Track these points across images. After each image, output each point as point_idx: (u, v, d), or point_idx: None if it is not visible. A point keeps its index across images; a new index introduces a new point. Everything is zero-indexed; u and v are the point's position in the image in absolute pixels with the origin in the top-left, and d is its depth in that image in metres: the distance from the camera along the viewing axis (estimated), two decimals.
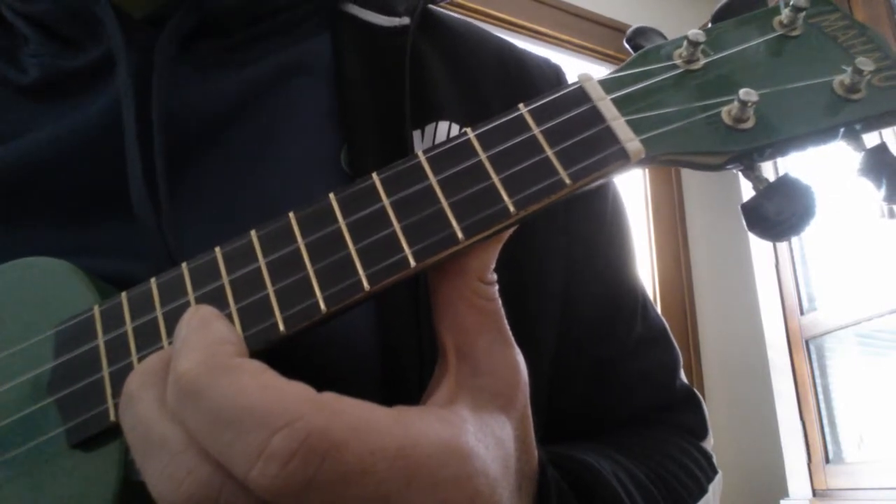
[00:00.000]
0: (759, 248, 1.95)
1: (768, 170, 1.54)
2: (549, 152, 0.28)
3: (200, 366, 0.22)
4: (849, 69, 0.28)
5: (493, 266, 0.28)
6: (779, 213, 0.27)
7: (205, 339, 0.23)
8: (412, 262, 0.27)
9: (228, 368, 0.22)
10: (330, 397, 0.22)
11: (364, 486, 0.21)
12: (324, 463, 0.20)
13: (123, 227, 0.38)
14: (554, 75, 0.51)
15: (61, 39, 0.43)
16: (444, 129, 0.43)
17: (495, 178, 0.27)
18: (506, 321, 0.29)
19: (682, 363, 0.51)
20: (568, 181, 0.27)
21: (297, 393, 0.22)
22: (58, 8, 0.42)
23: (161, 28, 0.41)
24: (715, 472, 0.45)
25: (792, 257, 1.85)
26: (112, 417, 0.28)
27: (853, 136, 0.29)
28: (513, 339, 0.28)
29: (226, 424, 0.21)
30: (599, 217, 0.49)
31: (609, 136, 0.28)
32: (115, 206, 0.38)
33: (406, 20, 0.46)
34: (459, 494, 0.23)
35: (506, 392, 0.27)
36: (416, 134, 0.42)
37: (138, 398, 0.24)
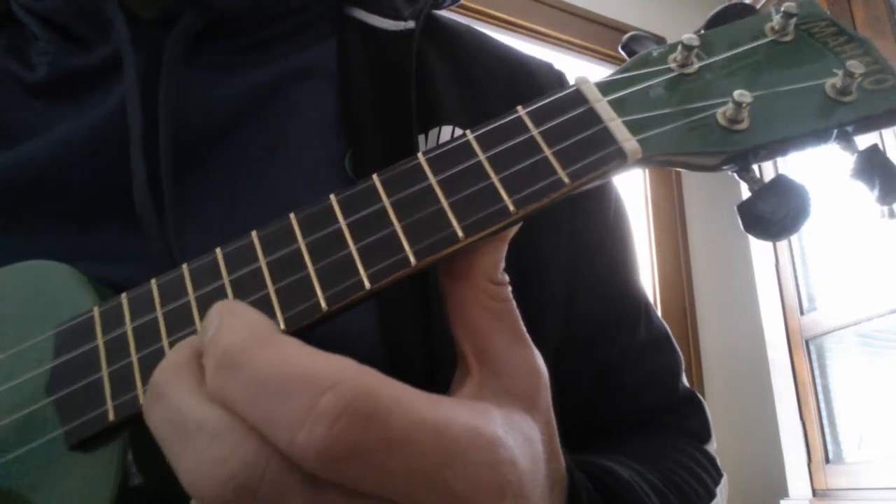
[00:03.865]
0: (759, 248, 1.95)
1: (768, 170, 1.53)
2: (548, 152, 0.28)
3: (243, 340, 0.22)
4: (840, 72, 0.29)
5: (502, 266, 0.28)
6: (773, 213, 0.27)
7: (242, 319, 0.23)
8: (413, 261, 0.27)
9: (271, 341, 0.22)
10: (371, 369, 0.22)
11: (407, 456, 0.21)
12: (369, 426, 0.20)
13: (129, 231, 0.38)
14: (557, 80, 0.51)
15: (70, 38, 0.43)
16: (448, 134, 0.43)
17: (495, 178, 0.28)
18: (521, 322, 0.28)
19: (683, 367, 0.51)
20: (567, 180, 0.27)
21: (339, 360, 0.21)
22: (68, 6, 0.42)
23: (169, 29, 0.41)
24: (720, 475, 0.45)
25: (792, 257, 1.85)
26: (111, 418, 0.27)
27: (845, 139, 0.29)
28: (529, 339, 0.28)
29: (271, 391, 0.21)
30: (602, 222, 0.49)
31: (607, 136, 0.28)
32: (120, 209, 0.38)
33: (411, 24, 0.46)
34: (490, 481, 0.22)
35: (528, 394, 0.27)
36: (421, 138, 0.42)
37: (169, 390, 0.23)
